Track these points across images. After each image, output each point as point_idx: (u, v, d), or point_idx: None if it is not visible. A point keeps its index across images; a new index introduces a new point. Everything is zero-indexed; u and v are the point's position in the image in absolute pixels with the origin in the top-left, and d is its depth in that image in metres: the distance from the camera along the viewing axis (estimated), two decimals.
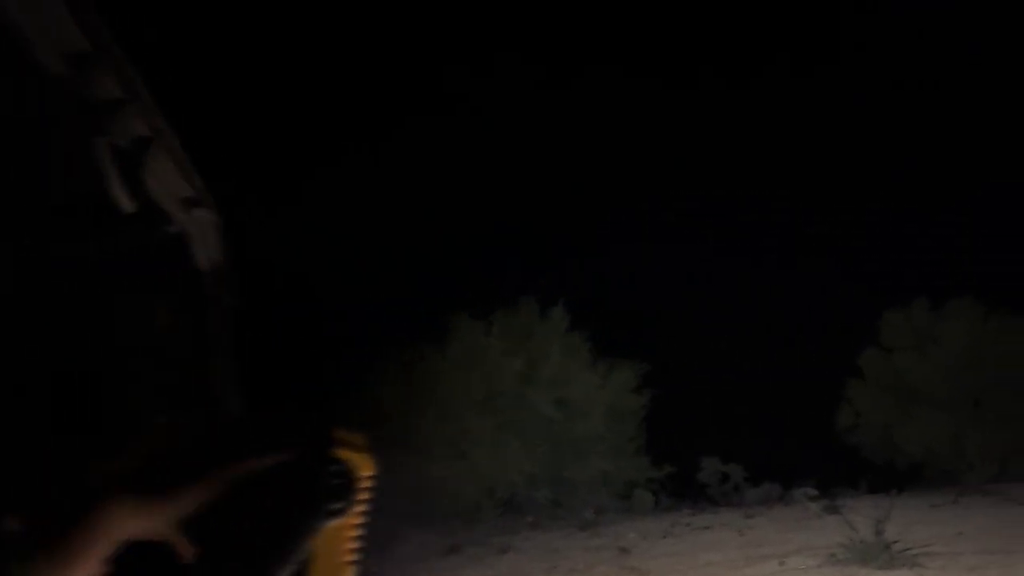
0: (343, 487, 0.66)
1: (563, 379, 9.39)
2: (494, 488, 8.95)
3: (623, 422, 9.68)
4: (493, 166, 15.06)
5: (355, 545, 0.71)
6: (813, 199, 14.94)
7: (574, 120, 16.28)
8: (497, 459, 8.84)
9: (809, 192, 15.01)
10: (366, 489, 0.69)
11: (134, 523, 0.55)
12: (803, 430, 11.65)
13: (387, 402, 8.75)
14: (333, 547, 0.69)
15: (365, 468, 0.69)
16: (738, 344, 14.10)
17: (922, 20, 13.96)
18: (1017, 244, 13.69)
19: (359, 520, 0.70)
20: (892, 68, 15.55)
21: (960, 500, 8.02)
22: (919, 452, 9.96)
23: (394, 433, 8.25)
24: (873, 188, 15.34)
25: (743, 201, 15.37)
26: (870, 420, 10.46)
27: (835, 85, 15.88)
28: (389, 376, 9.06)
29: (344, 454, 0.67)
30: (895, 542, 5.50)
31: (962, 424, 9.56)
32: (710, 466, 10.12)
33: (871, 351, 10.65)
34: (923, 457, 10.02)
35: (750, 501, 9.63)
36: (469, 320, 9.56)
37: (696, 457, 10.25)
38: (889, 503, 7.84)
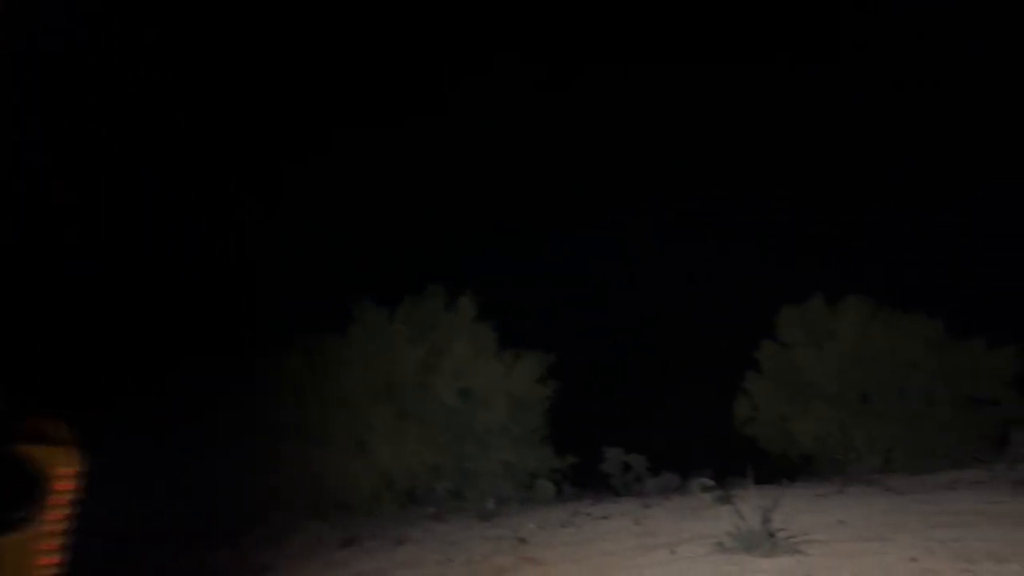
0: (25, 491, 0.55)
1: (468, 369, 9.34)
2: (394, 479, 8.84)
3: (527, 413, 9.70)
4: (407, 155, 14.88)
5: (52, 558, 0.59)
6: (720, 196, 15.34)
7: (497, 108, 16.19)
8: (398, 450, 8.73)
9: (716, 189, 15.38)
10: (66, 490, 0.58)
11: None
12: (704, 421, 11.97)
13: (283, 390, 8.52)
14: (18, 562, 0.57)
15: (63, 464, 0.57)
16: (643, 336, 14.37)
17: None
18: (907, 244, 14.48)
19: (58, 527, 0.59)
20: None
21: (845, 490, 8.34)
22: (811, 444, 10.34)
23: (290, 422, 8.04)
24: (777, 187, 15.81)
25: (647, 196, 15.62)
26: (766, 412, 10.80)
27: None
28: (286, 364, 8.83)
29: (33, 451, 0.56)
30: (781, 530, 5.65)
31: (850, 417, 9.99)
32: (613, 456, 10.23)
33: (769, 345, 11.00)
34: (814, 448, 10.42)
35: (650, 491, 9.78)
36: (373, 307, 9.41)
37: (600, 447, 10.36)
38: (779, 493, 8.11)
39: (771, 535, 5.57)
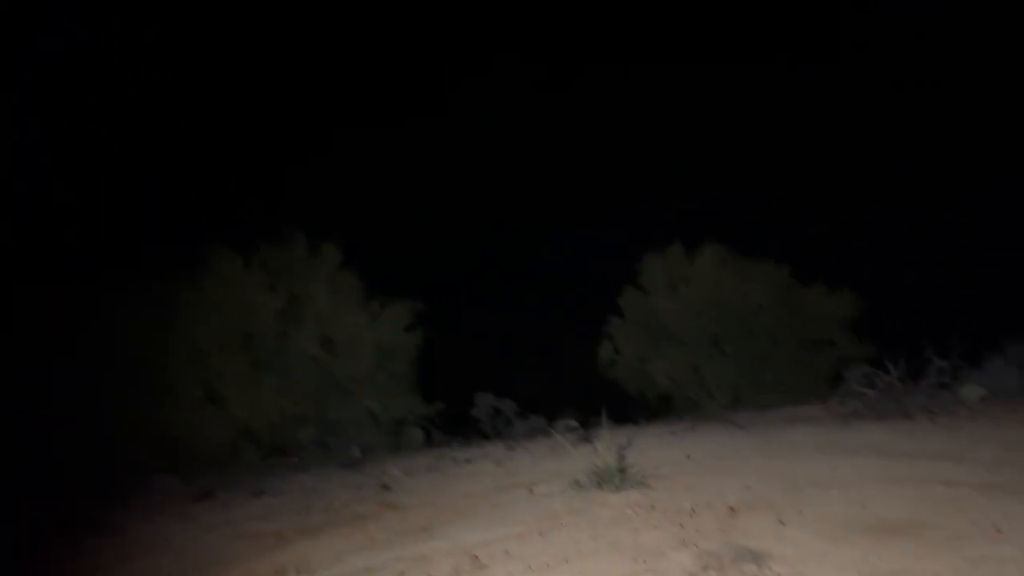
0: None
1: (330, 317, 9.13)
2: (252, 431, 8.59)
3: (394, 361, 9.63)
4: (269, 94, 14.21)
5: None
6: (590, 152, 15.59)
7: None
8: (255, 401, 8.46)
9: (584, 145, 15.61)
10: None
11: None
12: (571, 366, 12.33)
13: (129, 339, 8.02)
14: None
15: None
16: (514, 286, 14.55)
17: None
18: (759, 196, 15.29)
19: None
20: None
21: (696, 427, 8.81)
22: (667, 384, 10.86)
23: (138, 373, 7.61)
24: (642, 147, 16.21)
25: (518, 150, 15.70)
26: (627, 356, 11.23)
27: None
28: (132, 311, 8.30)
29: None
30: (632, 466, 5.89)
31: (703, 358, 10.55)
32: (482, 402, 10.37)
33: (631, 291, 11.39)
34: (670, 389, 10.95)
35: (517, 434, 9.99)
36: (227, 253, 8.97)
37: (470, 394, 10.47)
38: (635, 432, 8.48)
39: (623, 471, 5.81)
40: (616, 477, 5.66)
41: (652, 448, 7.03)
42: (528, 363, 13.15)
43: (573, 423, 9.85)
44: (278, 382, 8.70)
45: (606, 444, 6.62)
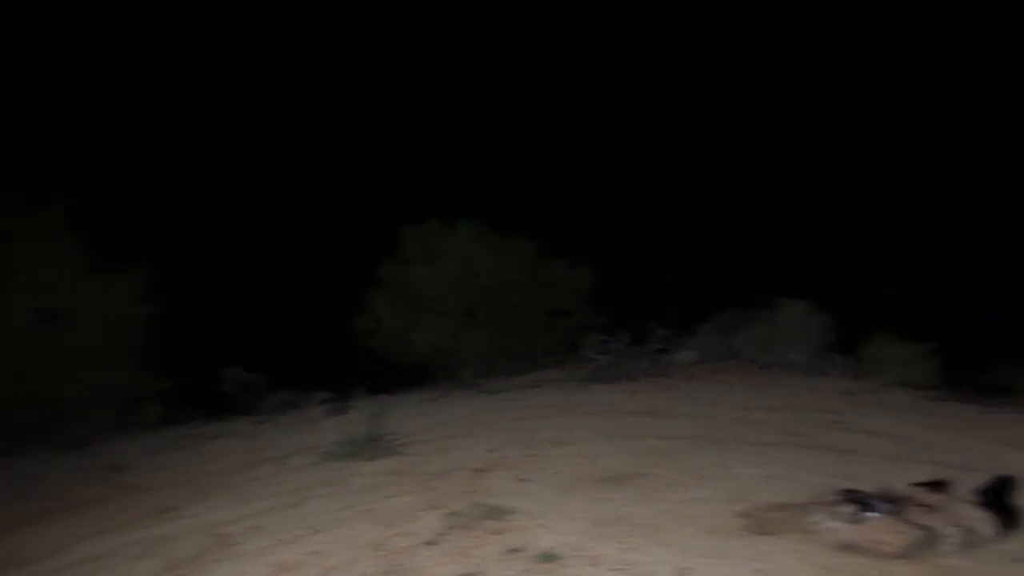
0: None
1: (51, 285, 8.14)
2: None
3: (127, 334, 8.83)
4: None
5: None
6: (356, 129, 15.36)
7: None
8: None
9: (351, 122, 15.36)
10: None
11: None
12: (327, 337, 12.15)
13: None
14: None
15: None
16: (269, 256, 14.01)
17: None
18: (513, 177, 16.08)
19: None
20: None
21: (449, 394, 9.15)
22: (424, 353, 11.09)
23: None
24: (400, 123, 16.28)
25: (288, 117, 15.11)
26: (387, 326, 11.27)
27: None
28: None
29: None
30: (387, 434, 6.02)
31: (459, 328, 10.90)
32: (231, 375, 9.90)
33: (391, 263, 11.43)
34: (428, 358, 11.19)
35: (269, 408, 9.67)
36: None
37: (217, 367, 9.96)
38: (391, 401, 8.62)
39: (376, 440, 5.91)
40: (370, 446, 5.74)
41: (406, 416, 7.20)
42: (282, 336, 12.76)
43: (327, 395, 9.74)
44: None
45: (360, 414, 6.68)
